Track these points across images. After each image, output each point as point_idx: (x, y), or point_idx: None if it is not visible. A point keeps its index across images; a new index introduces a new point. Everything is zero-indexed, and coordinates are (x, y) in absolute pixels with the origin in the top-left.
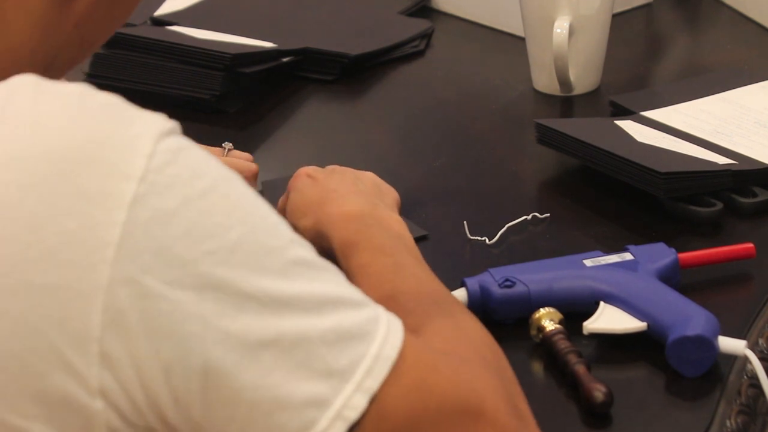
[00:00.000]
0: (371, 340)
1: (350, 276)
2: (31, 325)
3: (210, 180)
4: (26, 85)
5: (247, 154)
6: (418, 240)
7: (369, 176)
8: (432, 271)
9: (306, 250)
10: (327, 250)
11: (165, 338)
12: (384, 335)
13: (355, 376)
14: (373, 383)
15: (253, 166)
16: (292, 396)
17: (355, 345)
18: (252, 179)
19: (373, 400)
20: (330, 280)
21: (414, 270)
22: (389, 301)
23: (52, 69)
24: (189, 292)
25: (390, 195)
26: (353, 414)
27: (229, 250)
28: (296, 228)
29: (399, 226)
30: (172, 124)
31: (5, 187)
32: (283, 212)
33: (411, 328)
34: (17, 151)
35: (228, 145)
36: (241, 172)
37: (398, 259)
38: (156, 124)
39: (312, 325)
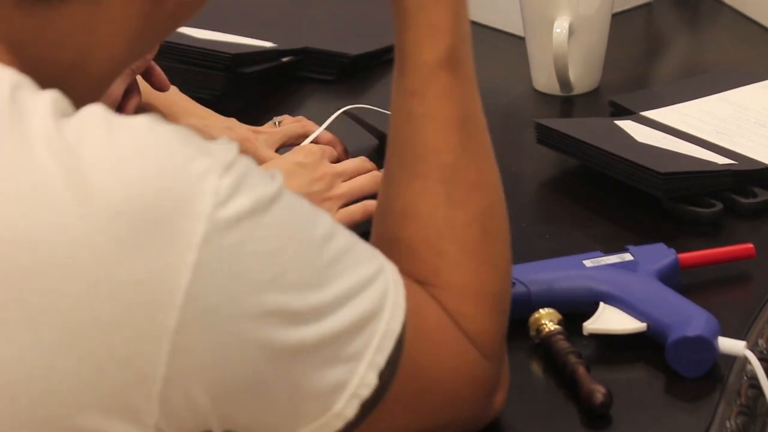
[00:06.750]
0: (381, 317)
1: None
2: (95, 363)
3: (267, 202)
4: (96, 118)
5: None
6: None
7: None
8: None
9: (336, 238)
10: None
11: (224, 368)
12: (391, 308)
13: (366, 355)
14: (381, 359)
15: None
16: (320, 386)
17: (370, 326)
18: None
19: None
20: (355, 263)
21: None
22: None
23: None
24: (249, 321)
25: None
26: (366, 391)
27: (283, 274)
28: None
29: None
30: (233, 155)
31: (77, 221)
32: None
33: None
34: (89, 187)
35: (278, 119)
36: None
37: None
38: (220, 156)
39: (341, 320)
